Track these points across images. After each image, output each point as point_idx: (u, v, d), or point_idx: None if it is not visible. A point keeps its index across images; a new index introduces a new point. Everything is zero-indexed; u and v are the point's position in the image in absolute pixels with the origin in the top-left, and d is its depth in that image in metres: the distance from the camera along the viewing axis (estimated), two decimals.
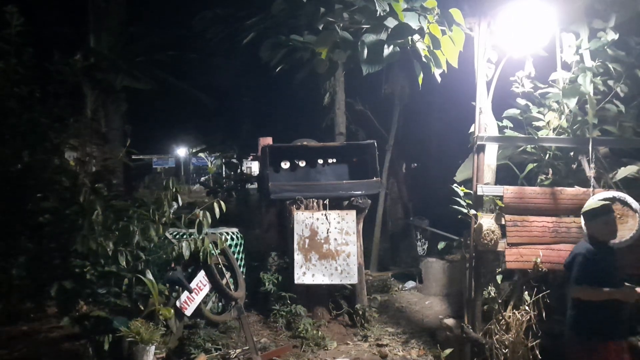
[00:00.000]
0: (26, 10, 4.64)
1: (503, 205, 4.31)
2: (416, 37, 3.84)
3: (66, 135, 4.65)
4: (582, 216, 3.77)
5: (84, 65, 4.82)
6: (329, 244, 5.97)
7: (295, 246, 5.98)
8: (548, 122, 4.54)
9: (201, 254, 4.55)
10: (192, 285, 4.91)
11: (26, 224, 4.32)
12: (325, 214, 6.03)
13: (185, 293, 4.82)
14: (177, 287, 4.77)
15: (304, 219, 6.02)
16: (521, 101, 4.59)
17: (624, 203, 4.04)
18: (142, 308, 4.36)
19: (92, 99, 9.20)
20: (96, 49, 10.45)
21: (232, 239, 6.35)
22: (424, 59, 3.98)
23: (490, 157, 4.50)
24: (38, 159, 4.41)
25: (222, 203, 4.33)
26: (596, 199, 4.05)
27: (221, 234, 5.88)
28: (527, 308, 4.26)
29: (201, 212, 4.28)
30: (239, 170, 11.54)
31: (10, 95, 4.39)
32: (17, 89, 4.42)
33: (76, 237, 4.01)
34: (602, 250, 3.61)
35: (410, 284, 7.74)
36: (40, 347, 5.04)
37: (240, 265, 6.22)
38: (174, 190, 4.30)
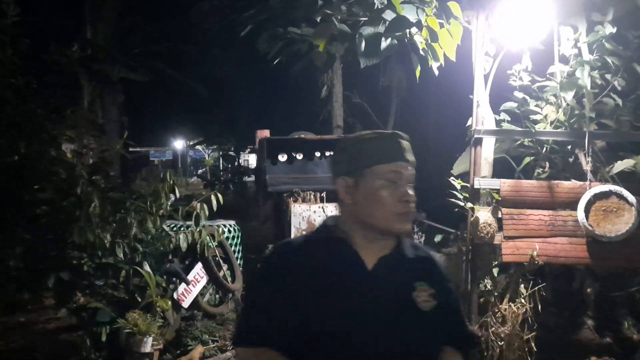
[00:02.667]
0: (22, 0, 4.61)
1: (500, 199, 4.32)
2: (414, 30, 3.83)
3: (63, 127, 4.64)
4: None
5: (81, 56, 4.80)
6: None
7: None
8: (545, 116, 4.54)
9: (198, 246, 4.55)
10: (190, 277, 4.92)
11: (23, 215, 4.32)
12: (322, 207, 6.04)
13: (183, 285, 4.84)
14: (174, 279, 4.79)
15: (301, 212, 6.02)
16: (519, 94, 4.58)
17: (620, 197, 4.05)
18: (140, 300, 4.37)
19: (89, 91, 9.17)
20: (93, 40, 10.42)
21: (229, 231, 6.36)
22: (421, 52, 3.97)
23: (487, 151, 4.50)
24: (34, 150, 4.40)
25: (219, 195, 4.33)
26: (592, 192, 4.06)
27: (218, 226, 5.88)
28: (523, 301, 4.28)
29: (198, 204, 4.28)
30: (236, 163, 11.56)
31: (6, 86, 4.37)
32: (14, 79, 4.41)
33: (73, 229, 4.01)
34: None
35: None
36: (37, 338, 5.05)
37: (237, 258, 6.23)
38: (171, 182, 4.30)
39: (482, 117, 4.46)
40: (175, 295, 4.76)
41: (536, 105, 4.59)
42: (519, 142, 4.73)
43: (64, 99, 4.74)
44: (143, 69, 11.25)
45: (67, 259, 4.14)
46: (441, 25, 3.78)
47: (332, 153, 6.70)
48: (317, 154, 6.76)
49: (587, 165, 4.30)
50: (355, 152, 1.53)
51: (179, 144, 28.93)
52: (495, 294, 4.43)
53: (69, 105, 4.78)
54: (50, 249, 4.27)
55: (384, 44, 3.69)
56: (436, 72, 4.05)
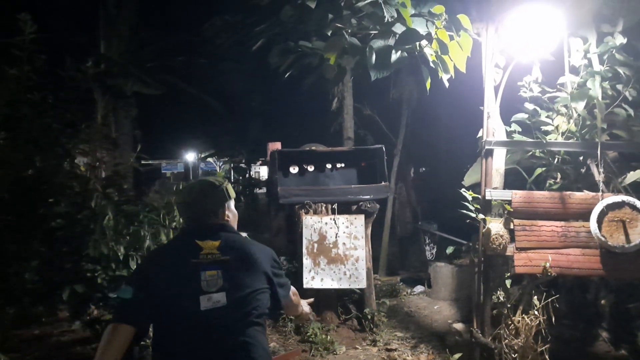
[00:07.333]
0: (39, 17, 4.71)
1: (512, 210, 4.31)
2: (424, 42, 3.86)
3: (77, 141, 4.71)
4: None
5: (95, 71, 4.88)
6: (338, 248, 5.99)
7: (304, 250, 6.00)
8: (556, 127, 4.54)
9: None
10: None
11: (39, 228, 4.37)
12: (334, 219, 6.05)
13: None
14: None
15: (312, 224, 6.04)
16: (529, 106, 4.59)
17: (633, 207, 4.03)
18: None
19: (102, 105, 9.26)
20: (107, 55, 10.55)
21: None
22: (431, 64, 3.99)
23: (498, 162, 4.51)
24: (50, 164, 4.47)
25: None
26: (605, 203, 4.04)
27: None
28: (536, 313, 4.26)
29: None
30: (247, 175, 11.60)
31: (23, 101, 4.46)
32: (30, 95, 4.50)
33: (88, 242, 4.06)
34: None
35: (419, 288, 7.74)
36: (51, 350, 5.08)
37: None
38: None
39: (493, 129, 4.47)
40: None
41: (547, 116, 4.59)
42: (530, 153, 4.73)
43: (79, 114, 4.81)
44: (156, 83, 11.37)
45: (81, 271, 4.18)
46: (451, 38, 3.81)
47: (343, 165, 6.75)
48: (329, 165, 6.78)
49: (599, 176, 4.29)
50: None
51: (190, 156, 29.06)
52: (509, 305, 4.42)
53: (84, 120, 4.85)
54: (65, 261, 4.32)
55: (394, 56, 3.72)
56: (446, 84, 4.07)
